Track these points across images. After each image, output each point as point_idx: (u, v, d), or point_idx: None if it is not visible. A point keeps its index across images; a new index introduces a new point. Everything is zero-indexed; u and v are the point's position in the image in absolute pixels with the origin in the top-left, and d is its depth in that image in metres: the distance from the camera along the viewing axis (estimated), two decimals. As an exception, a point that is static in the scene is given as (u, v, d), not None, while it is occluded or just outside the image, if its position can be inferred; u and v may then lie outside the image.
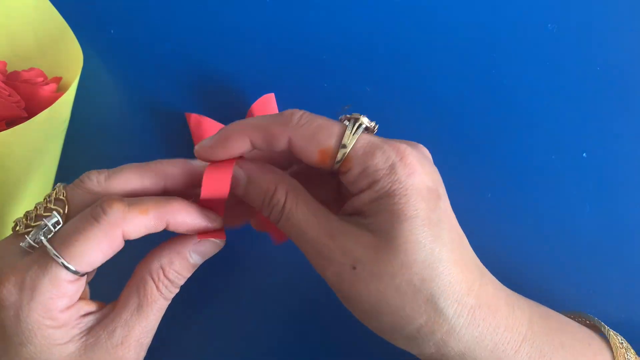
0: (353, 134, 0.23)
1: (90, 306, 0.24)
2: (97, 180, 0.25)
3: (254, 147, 0.24)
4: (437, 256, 0.22)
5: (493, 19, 0.35)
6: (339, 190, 0.28)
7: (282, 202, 0.24)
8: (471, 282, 0.23)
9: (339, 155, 0.23)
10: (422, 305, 0.22)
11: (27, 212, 0.25)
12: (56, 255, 0.22)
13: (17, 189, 0.34)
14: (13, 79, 0.35)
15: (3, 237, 0.34)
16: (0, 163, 0.32)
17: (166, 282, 0.25)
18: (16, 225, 0.25)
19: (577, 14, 0.35)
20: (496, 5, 0.35)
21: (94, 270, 0.24)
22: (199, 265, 0.26)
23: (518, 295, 0.25)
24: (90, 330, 0.24)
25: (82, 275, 0.23)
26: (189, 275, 0.26)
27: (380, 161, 0.23)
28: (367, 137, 0.24)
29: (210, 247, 0.26)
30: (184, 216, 0.24)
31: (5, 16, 0.37)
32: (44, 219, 0.23)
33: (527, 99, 0.35)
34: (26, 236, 0.23)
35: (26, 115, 0.34)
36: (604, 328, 0.26)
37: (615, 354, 0.25)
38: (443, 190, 0.24)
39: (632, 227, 0.34)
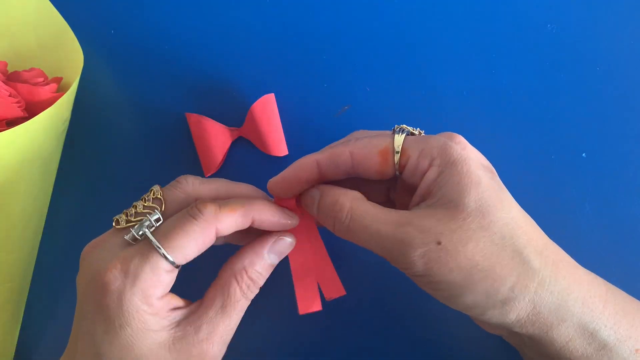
0: (400, 134, 0.26)
1: (178, 301, 0.27)
2: (192, 184, 0.28)
3: (320, 171, 0.27)
4: (510, 215, 0.23)
5: (493, 19, 0.35)
6: (389, 200, 0.31)
7: (347, 206, 0.26)
8: (544, 239, 0.24)
9: (397, 147, 0.26)
10: (509, 262, 0.23)
11: (126, 210, 0.27)
12: (158, 247, 0.25)
13: (18, 189, 0.34)
14: (13, 79, 0.35)
15: (6, 236, 0.34)
16: (1, 163, 0.32)
17: (249, 282, 0.27)
18: (117, 222, 0.27)
19: (577, 14, 0.35)
20: (496, 5, 0.35)
21: (179, 266, 0.26)
22: (275, 265, 0.29)
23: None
24: (178, 324, 0.26)
25: (177, 267, 0.26)
26: (267, 275, 0.28)
27: (433, 142, 0.25)
28: (415, 135, 0.27)
29: (284, 246, 0.29)
30: (267, 213, 0.28)
31: (6, 16, 0.37)
32: (146, 215, 0.26)
33: (527, 99, 0.35)
34: (131, 229, 0.26)
35: (26, 115, 0.34)
36: None
37: None
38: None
39: (631, 227, 0.34)
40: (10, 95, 0.33)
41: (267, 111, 0.35)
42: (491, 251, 0.23)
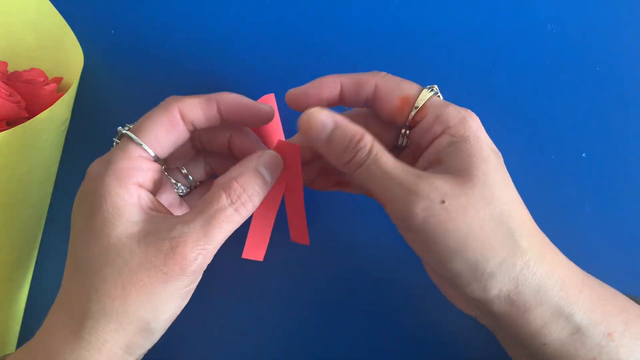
0: (429, 91, 0.27)
1: (163, 208, 0.27)
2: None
3: (341, 92, 0.27)
4: (511, 195, 0.25)
5: (493, 19, 0.35)
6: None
7: (369, 146, 0.25)
8: (533, 225, 0.25)
9: (419, 101, 0.26)
10: (503, 238, 0.23)
11: None
12: (126, 132, 0.27)
13: (19, 189, 0.34)
14: (14, 80, 0.35)
15: (6, 237, 0.34)
16: (1, 163, 0.32)
17: (239, 190, 0.26)
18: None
19: (577, 14, 0.35)
20: (496, 5, 0.35)
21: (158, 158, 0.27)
22: (268, 183, 0.27)
23: None
24: (155, 221, 0.25)
25: (155, 158, 0.27)
26: (260, 191, 0.27)
27: (452, 111, 0.26)
28: (439, 98, 0.27)
29: (272, 158, 0.28)
30: (232, 97, 0.28)
31: (6, 16, 0.37)
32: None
33: (526, 99, 0.35)
34: (113, 138, 0.29)
35: (27, 115, 0.34)
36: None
37: None
38: None
39: (632, 227, 0.34)
40: (10, 96, 0.33)
41: None
42: (488, 224, 0.23)
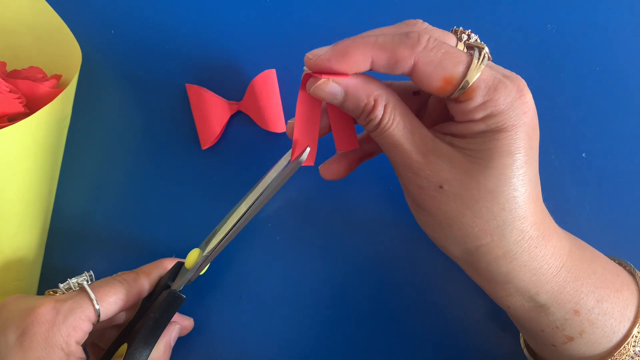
0: (480, 64, 0.23)
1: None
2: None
3: (372, 67, 0.24)
4: (521, 191, 0.23)
5: (493, 19, 0.35)
6: (422, 110, 0.29)
7: (380, 115, 0.24)
8: (537, 216, 0.24)
9: (466, 82, 0.23)
10: (491, 229, 0.24)
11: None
12: (92, 294, 0.29)
13: (23, 186, 0.34)
14: (13, 77, 0.35)
15: (11, 234, 0.34)
16: (4, 159, 0.32)
17: None
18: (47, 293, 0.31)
19: (577, 14, 0.35)
20: (496, 5, 0.35)
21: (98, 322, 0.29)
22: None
23: (560, 228, 0.27)
24: None
25: (97, 321, 0.29)
26: None
27: (502, 97, 0.23)
28: (490, 71, 0.23)
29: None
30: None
31: (2, 17, 0.37)
32: (84, 272, 0.32)
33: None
34: (68, 279, 0.31)
35: (27, 111, 0.34)
36: (633, 269, 0.28)
37: None
38: None
39: (632, 227, 0.33)
40: (10, 92, 0.33)
41: (267, 86, 0.35)
42: (482, 215, 0.24)
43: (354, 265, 0.35)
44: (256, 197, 0.29)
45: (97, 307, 0.29)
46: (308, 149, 0.27)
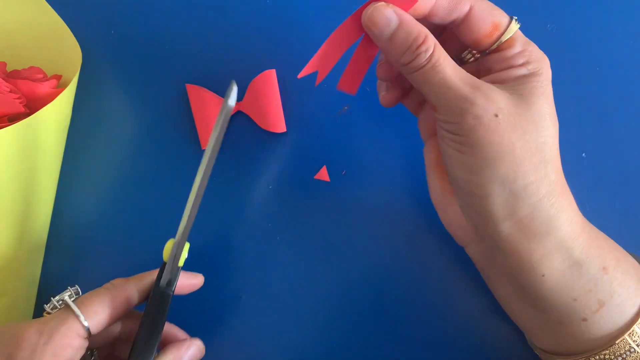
0: (516, 22, 0.27)
1: None
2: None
3: (434, 7, 0.26)
4: (552, 132, 0.26)
5: (493, 19, 0.35)
6: (421, 105, 0.32)
7: (432, 50, 0.25)
8: (560, 164, 0.27)
9: (509, 31, 0.26)
10: (538, 164, 0.25)
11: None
12: (75, 309, 0.27)
13: (24, 186, 0.34)
14: (13, 77, 0.35)
15: (12, 234, 0.34)
16: (4, 159, 0.32)
17: None
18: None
19: (577, 14, 0.35)
20: (496, 5, 0.35)
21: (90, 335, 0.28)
22: None
23: None
24: None
25: (89, 335, 0.28)
26: None
27: (534, 49, 0.27)
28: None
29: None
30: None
31: (2, 18, 0.37)
32: (68, 288, 0.30)
33: (527, 99, 0.35)
34: (52, 298, 0.29)
35: (27, 111, 0.34)
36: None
37: None
38: None
39: (632, 227, 0.33)
40: (10, 92, 0.33)
41: (267, 86, 0.35)
42: (530, 148, 0.25)
43: (354, 265, 0.35)
44: (206, 161, 0.27)
45: (83, 321, 0.27)
46: (235, 88, 0.26)
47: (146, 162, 0.38)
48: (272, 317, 0.36)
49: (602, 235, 0.27)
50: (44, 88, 0.34)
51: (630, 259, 0.27)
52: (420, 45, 0.25)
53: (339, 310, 0.35)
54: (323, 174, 0.36)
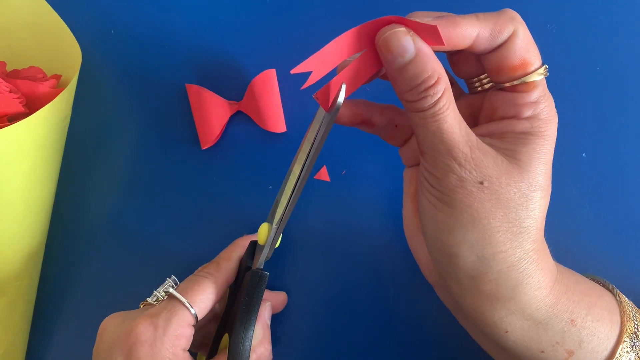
0: (546, 70, 0.24)
1: None
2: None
3: (476, 39, 0.23)
4: (542, 202, 0.24)
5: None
6: (408, 140, 0.30)
7: (439, 95, 0.23)
8: (542, 228, 0.25)
9: (535, 75, 0.24)
10: (512, 235, 0.23)
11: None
12: (183, 300, 0.28)
13: (22, 185, 0.34)
14: (13, 77, 0.35)
15: (12, 234, 0.34)
16: (4, 159, 0.32)
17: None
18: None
19: (577, 14, 0.35)
20: (496, 5, 0.35)
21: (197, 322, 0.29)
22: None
23: None
24: None
25: (196, 322, 0.29)
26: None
27: (550, 105, 0.25)
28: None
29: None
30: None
31: (2, 17, 0.37)
32: (166, 278, 0.32)
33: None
34: (154, 290, 0.31)
35: (27, 111, 0.34)
36: (594, 276, 0.29)
37: (619, 299, 0.27)
38: None
39: (632, 227, 0.33)
40: (10, 92, 0.33)
41: (267, 86, 0.35)
42: (508, 219, 0.23)
43: (354, 265, 0.35)
44: (307, 154, 0.27)
45: (192, 310, 0.29)
46: (344, 87, 0.25)
47: (146, 161, 0.38)
48: (272, 317, 0.36)
49: (573, 281, 0.26)
50: (44, 88, 0.34)
51: (605, 301, 0.26)
52: (428, 88, 0.22)
53: (339, 310, 0.35)
54: (323, 174, 0.36)
